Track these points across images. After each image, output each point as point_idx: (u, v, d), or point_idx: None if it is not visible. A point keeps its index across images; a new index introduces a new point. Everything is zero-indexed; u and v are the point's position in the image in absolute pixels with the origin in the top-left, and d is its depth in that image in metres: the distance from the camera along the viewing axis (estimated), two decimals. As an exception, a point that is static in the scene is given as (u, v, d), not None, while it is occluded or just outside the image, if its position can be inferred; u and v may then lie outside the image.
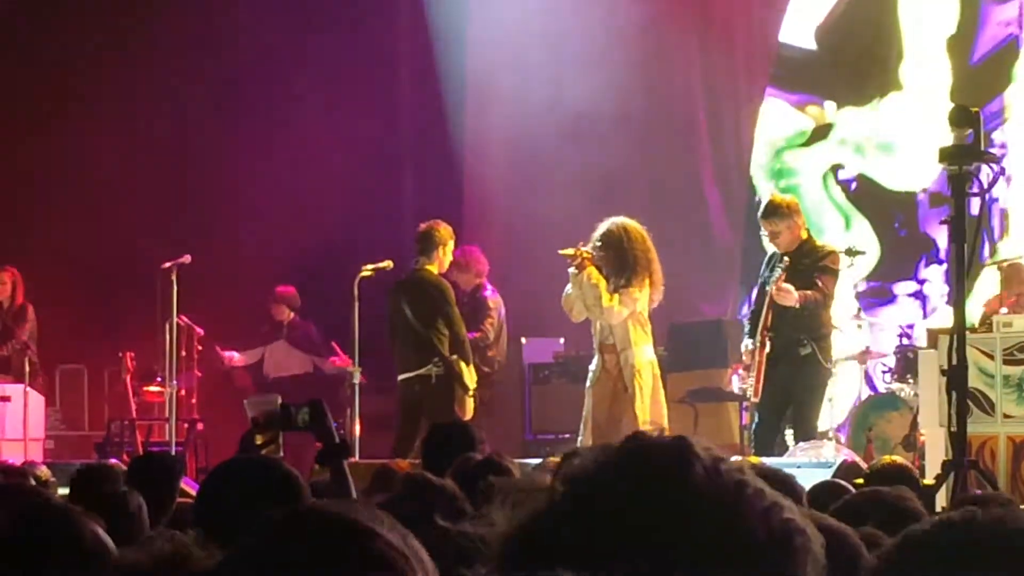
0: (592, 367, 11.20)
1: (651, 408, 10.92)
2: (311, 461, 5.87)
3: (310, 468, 7.77)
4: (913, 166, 16.17)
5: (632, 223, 11.06)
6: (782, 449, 11.41)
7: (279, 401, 5.30)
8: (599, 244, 11.00)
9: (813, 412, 11.29)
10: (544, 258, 14.13)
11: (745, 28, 16.93)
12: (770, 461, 8.42)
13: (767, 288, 11.05)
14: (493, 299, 13.15)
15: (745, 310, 16.24)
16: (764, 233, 11.54)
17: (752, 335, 11.20)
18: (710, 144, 16.98)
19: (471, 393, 12.03)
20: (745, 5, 16.92)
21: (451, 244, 12.33)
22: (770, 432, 11.23)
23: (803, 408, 11.18)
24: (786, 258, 10.99)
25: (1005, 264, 13.36)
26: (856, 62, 16.71)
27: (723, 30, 16.92)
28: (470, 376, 12.11)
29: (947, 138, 15.86)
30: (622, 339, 10.98)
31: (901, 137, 16.34)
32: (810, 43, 16.86)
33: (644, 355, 11.00)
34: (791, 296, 10.82)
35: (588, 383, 11.19)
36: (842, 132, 16.76)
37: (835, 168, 16.74)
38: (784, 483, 4.67)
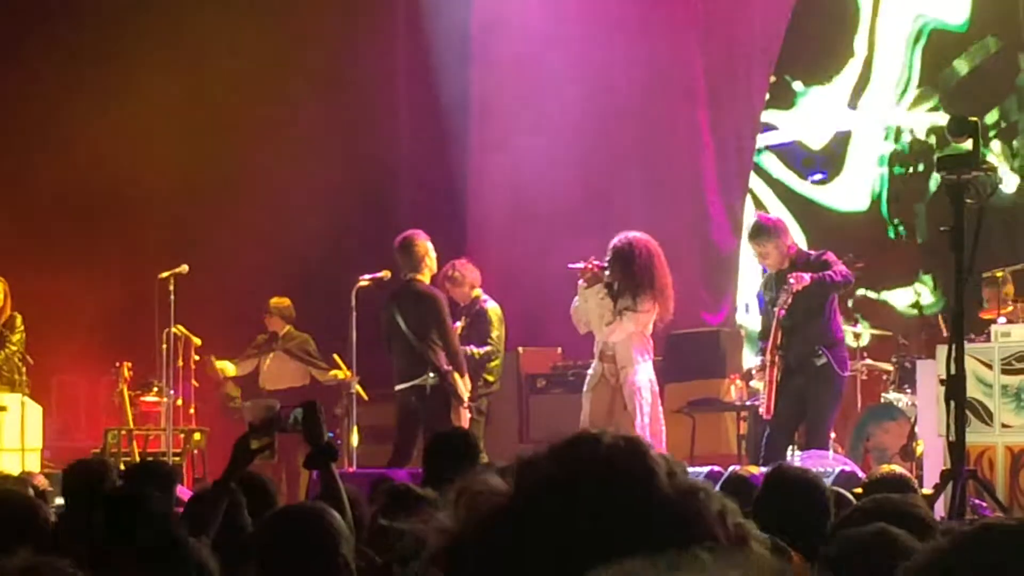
0: (591, 371, 11.22)
1: (650, 425, 10.91)
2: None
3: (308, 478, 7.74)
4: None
5: (643, 238, 11.02)
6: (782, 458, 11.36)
7: (278, 406, 5.30)
8: (608, 259, 10.98)
9: (828, 422, 11.23)
10: (542, 269, 14.12)
11: (748, 30, 16.90)
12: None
13: (773, 309, 10.97)
14: (494, 310, 12.96)
15: (741, 318, 16.23)
16: (753, 254, 11.48)
17: (764, 353, 11.18)
18: (713, 149, 16.94)
19: (466, 404, 11.99)
20: (747, 7, 16.88)
21: (432, 252, 12.22)
22: (783, 443, 11.13)
23: (818, 418, 11.11)
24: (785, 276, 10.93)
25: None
26: (820, 40, 16.78)
27: (725, 33, 16.89)
28: (465, 387, 12.05)
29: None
30: (623, 356, 10.98)
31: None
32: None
33: (644, 373, 10.99)
34: (804, 279, 10.75)
35: (586, 387, 11.19)
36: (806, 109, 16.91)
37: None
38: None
